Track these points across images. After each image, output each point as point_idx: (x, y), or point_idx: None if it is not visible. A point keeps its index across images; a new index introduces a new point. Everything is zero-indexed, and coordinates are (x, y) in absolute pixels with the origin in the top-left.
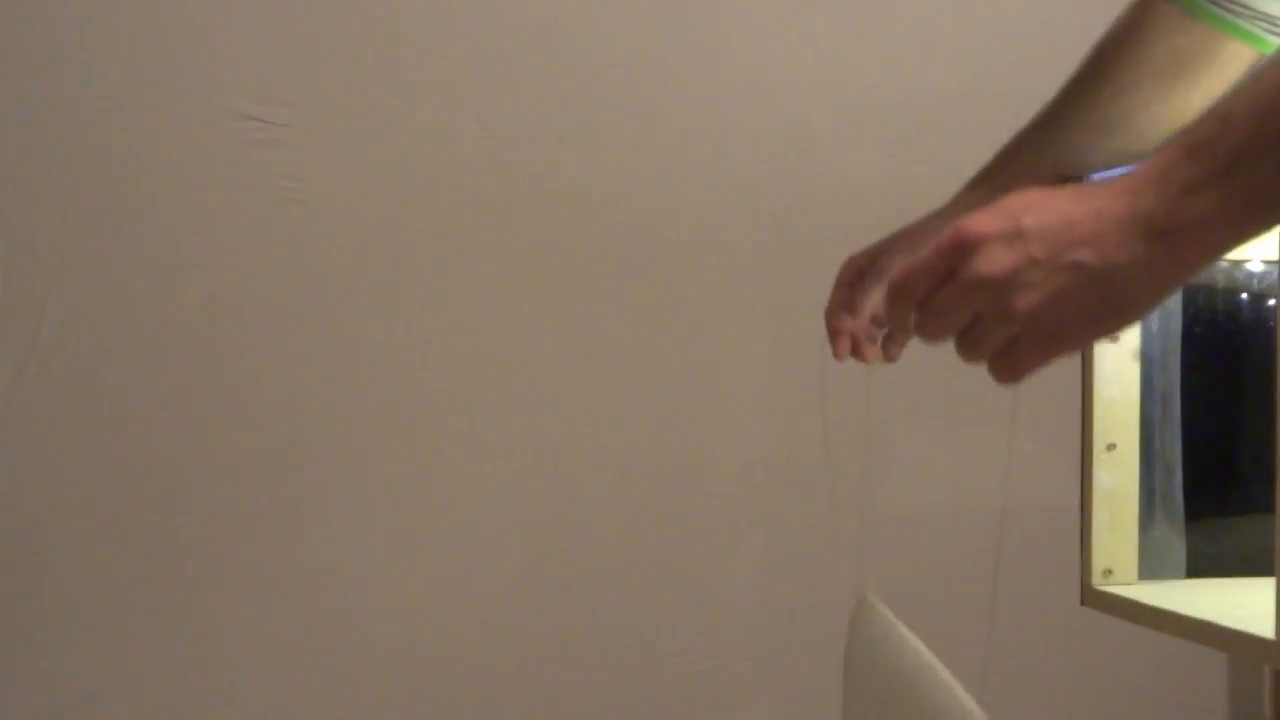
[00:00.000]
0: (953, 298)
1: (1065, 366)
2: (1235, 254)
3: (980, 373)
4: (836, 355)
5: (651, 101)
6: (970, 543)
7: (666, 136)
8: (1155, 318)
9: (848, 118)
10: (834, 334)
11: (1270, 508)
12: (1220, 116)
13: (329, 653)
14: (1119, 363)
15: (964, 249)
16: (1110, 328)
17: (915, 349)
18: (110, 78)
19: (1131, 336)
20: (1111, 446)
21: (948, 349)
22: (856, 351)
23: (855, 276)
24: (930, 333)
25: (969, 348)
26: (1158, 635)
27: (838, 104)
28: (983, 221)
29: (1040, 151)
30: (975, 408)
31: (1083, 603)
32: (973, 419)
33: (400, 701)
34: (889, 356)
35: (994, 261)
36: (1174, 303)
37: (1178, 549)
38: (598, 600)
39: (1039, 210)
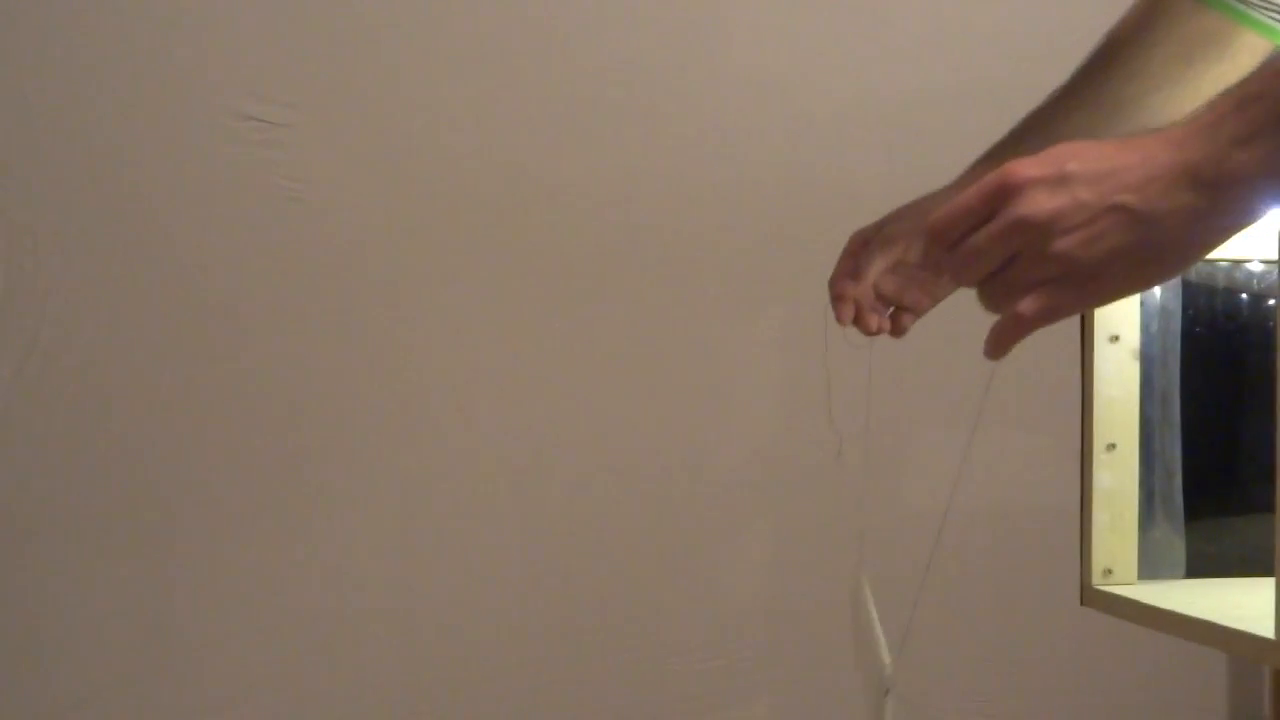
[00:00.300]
0: (992, 238)
1: (1065, 366)
2: (1235, 254)
3: (980, 372)
4: (839, 320)
5: (652, 99)
6: (970, 543)
7: (667, 134)
8: (1155, 318)
9: (851, 114)
10: (836, 299)
11: (1270, 508)
12: (1274, 72)
13: (329, 653)
14: (1119, 363)
15: (1007, 192)
16: (1150, 277)
17: (918, 349)
18: (110, 78)
19: (1131, 336)
20: (1111, 446)
21: (949, 353)
22: (859, 320)
23: (860, 245)
24: (962, 274)
25: (997, 291)
26: (1158, 635)
27: (840, 100)
28: (1027, 166)
29: (1049, 132)
30: (976, 408)
31: (1083, 603)
32: (973, 418)
33: (400, 701)
34: (896, 330)
35: (1037, 203)
36: (1174, 303)
37: (1178, 549)
38: (599, 599)
39: (1084, 157)
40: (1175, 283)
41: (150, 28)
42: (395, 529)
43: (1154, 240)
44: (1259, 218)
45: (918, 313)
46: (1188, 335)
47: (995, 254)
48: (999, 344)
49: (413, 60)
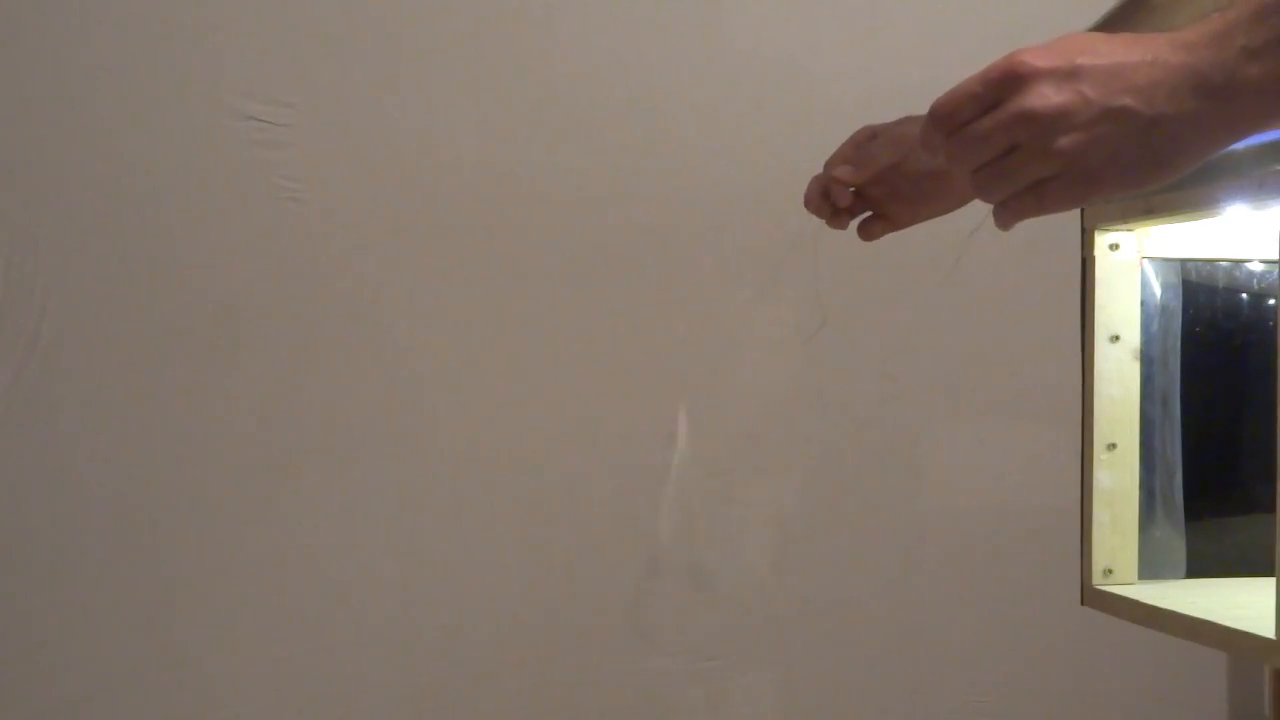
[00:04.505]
0: (995, 128)
1: (1065, 366)
2: (1235, 254)
3: (980, 373)
4: (837, 201)
5: (653, 99)
6: (970, 543)
7: (668, 133)
8: (1155, 318)
9: (853, 110)
10: (832, 181)
11: (1270, 508)
12: None
13: (328, 653)
14: (1119, 363)
15: (1015, 81)
16: (1146, 179)
17: (916, 349)
18: (110, 77)
19: (1131, 336)
20: (1111, 446)
21: (947, 356)
22: (811, 203)
23: (867, 136)
24: (960, 160)
25: (994, 181)
26: (1158, 635)
27: (842, 96)
28: (1037, 55)
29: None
30: (976, 408)
31: (1083, 603)
32: (974, 419)
33: (400, 701)
34: (867, 235)
35: (1043, 97)
36: (1174, 302)
37: (1178, 549)
38: (597, 598)
39: (1094, 52)
40: (1175, 282)
41: (150, 28)
42: (394, 528)
43: (1155, 144)
44: (1260, 131)
45: (895, 225)
46: (1188, 335)
47: (996, 143)
48: (1014, 219)
49: (413, 60)
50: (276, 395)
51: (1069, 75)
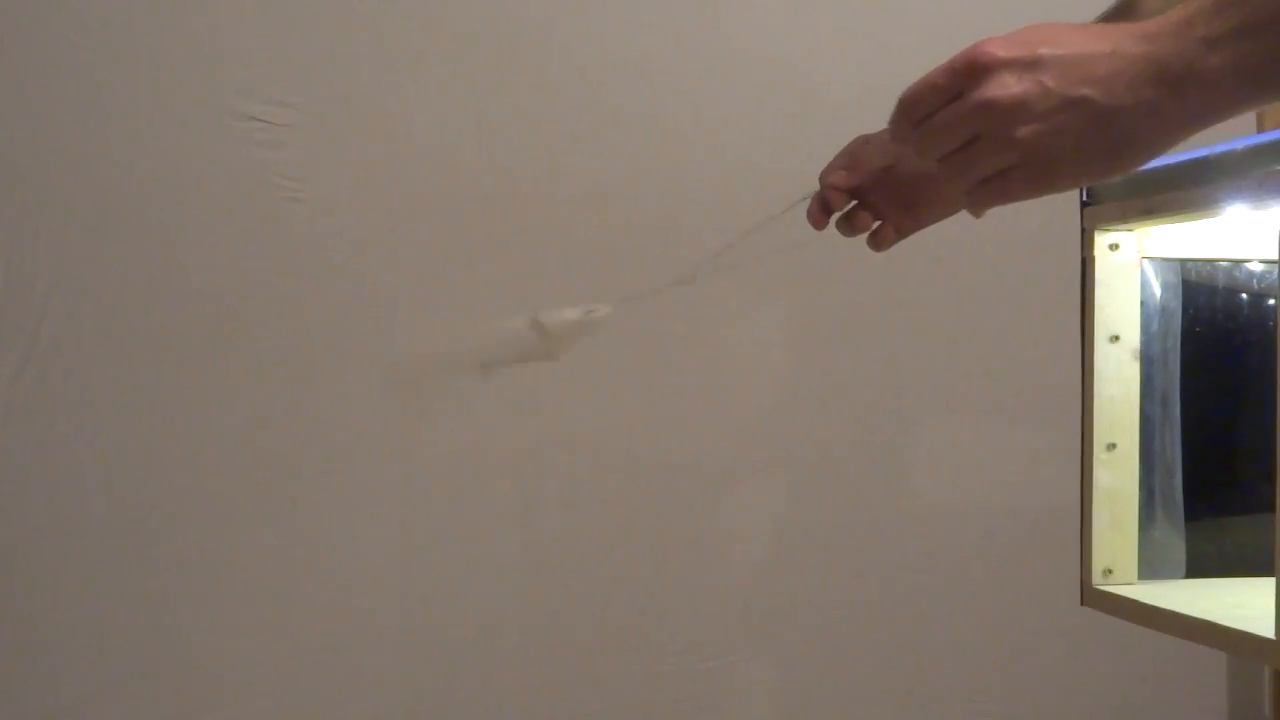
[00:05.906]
0: (957, 117)
1: (1065, 366)
2: (1235, 254)
3: (980, 373)
4: (834, 206)
5: (652, 97)
6: (970, 542)
7: (668, 132)
8: (1155, 318)
9: (853, 109)
10: (829, 188)
11: (1270, 508)
12: None
13: (328, 653)
14: (1119, 363)
15: (976, 71)
16: (1107, 169)
17: (915, 349)
18: (110, 78)
19: (1131, 336)
20: (1111, 446)
21: (947, 356)
22: (812, 215)
23: (860, 143)
24: (926, 149)
25: (959, 169)
26: (1158, 635)
27: (842, 95)
28: (998, 46)
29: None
30: (976, 408)
31: (1083, 603)
32: (973, 419)
33: (399, 702)
34: (877, 244)
35: (1004, 87)
36: (1174, 303)
37: (1178, 549)
38: (596, 599)
39: (1056, 43)
40: (1175, 282)
41: (151, 28)
42: (394, 529)
43: (1115, 134)
44: (1221, 120)
45: (900, 231)
46: (1188, 335)
47: (958, 133)
48: (983, 208)
49: (412, 60)
50: (276, 395)
51: (1030, 65)
